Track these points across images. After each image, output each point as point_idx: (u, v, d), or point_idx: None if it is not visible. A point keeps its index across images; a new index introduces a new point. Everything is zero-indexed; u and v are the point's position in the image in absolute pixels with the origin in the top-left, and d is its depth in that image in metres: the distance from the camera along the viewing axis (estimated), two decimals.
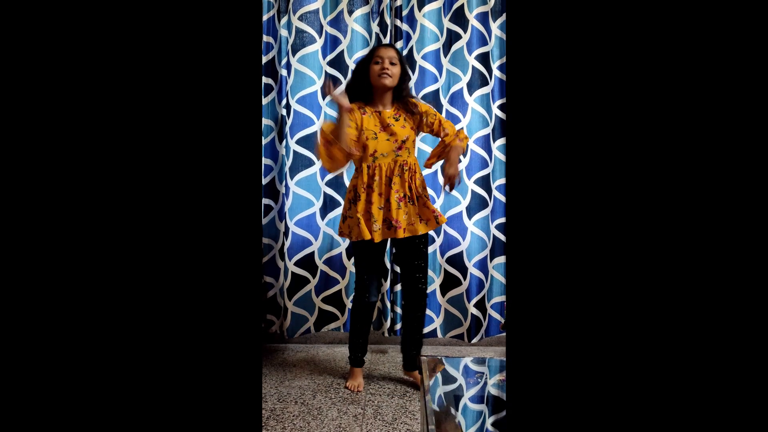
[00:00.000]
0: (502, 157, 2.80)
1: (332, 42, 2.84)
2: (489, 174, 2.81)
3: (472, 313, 2.82)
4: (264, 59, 2.79)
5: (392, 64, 2.24)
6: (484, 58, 2.79)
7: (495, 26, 2.79)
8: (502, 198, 2.83)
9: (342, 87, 2.38)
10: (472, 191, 2.81)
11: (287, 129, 2.79)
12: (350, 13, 2.80)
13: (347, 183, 2.82)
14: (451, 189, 2.26)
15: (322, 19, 2.80)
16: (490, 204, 2.82)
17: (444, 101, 2.80)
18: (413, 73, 2.79)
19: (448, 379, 1.44)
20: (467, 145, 2.34)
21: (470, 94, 2.79)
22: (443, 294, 2.87)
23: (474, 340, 2.84)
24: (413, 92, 2.43)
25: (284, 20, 2.78)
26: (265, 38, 2.78)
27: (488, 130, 2.80)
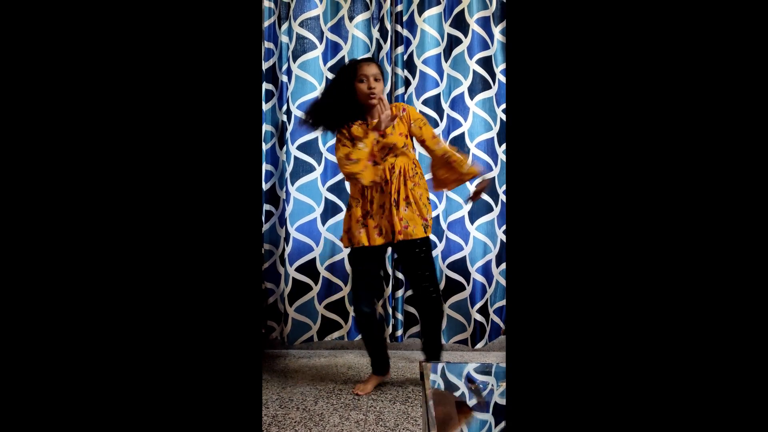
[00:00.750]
0: None
1: (333, 48, 2.84)
2: (494, 178, 2.81)
3: (475, 319, 2.81)
4: (265, 65, 2.79)
5: (376, 80, 2.22)
6: (486, 62, 2.79)
7: (497, 30, 2.80)
8: None
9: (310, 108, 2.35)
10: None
11: (288, 135, 2.79)
12: (351, 19, 2.81)
13: (347, 188, 2.82)
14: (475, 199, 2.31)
15: (322, 25, 2.81)
16: (496, 208, 2.81)
17: (445, 106, 2.81)
18: (414, 78, 2.79)
19: (450, 385, 1.44)
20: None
21: (471, 98, 2.79)
22: (446, 299, 2.86)
23: (478, 346, 2.83)
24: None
25: (285, 26, 2.79)
26: (266, 44, 2.79)
27: (492, 134, 2.80)
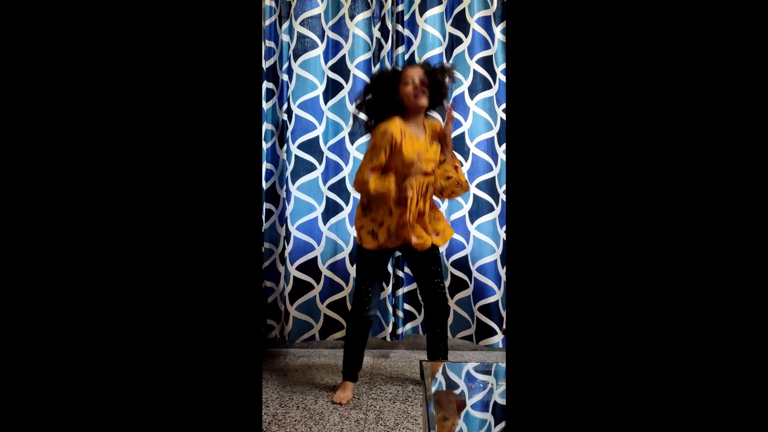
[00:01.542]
0: None
1: (334, 47, 2.84)
2: (494, 177, 2.80)
3: (477, 317, 2.81)
4: (266, 64, 2.79)
5: (423, 84, 2.18)
6: (486, 62, 2.79)
7: (498, 30, 2.79)
8: None
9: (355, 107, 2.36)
10: (474, 195, 2.80)
11: (288, 134, 2.79)
12: (352, 18, 2.81)
13: (349, 187, 2.82)
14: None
15: (323, 24, 2.81)
16: (497, 208, 2.81)
17: (447, 106, 2.81)
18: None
19: (451, 384, 1.44)
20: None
21: (471, 98, 2.79)
22: (452, 296, 2.86)
23: (484, 342, 2.81)
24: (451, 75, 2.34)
25: (286, 25, 2.79)
26: (266, 43, 2.79)
27: (492, 134, 2.80)
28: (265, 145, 2.82)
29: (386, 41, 2.79)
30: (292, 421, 2.12)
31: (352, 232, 2.83)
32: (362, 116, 2.31)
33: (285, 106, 2.78)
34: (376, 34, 2.81)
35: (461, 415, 1.26)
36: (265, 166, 2.83)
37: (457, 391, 1.41)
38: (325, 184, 2.85)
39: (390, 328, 2.85)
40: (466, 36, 2.78)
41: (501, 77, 2.79)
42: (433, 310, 2.37)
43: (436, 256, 2.35)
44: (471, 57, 2.78)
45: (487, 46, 2.78)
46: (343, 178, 2.83)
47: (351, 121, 2.78)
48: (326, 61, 2.83)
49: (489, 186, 2.80)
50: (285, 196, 2.81)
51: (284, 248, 2.81)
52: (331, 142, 2.85)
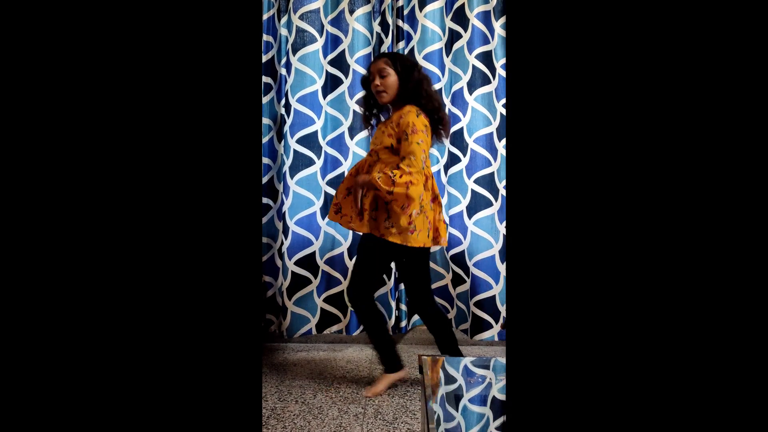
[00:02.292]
0: None
1: (333, 41, 2.84)
2: (493, 173, 2.80)
3: (473, 312, 2.82)
4: (263, 58, 2.79)
5: (382, 76, 2.17)
6: (486, 57, 2.78)
7: (497, 25, 2.79)
8: None
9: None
10: (472, 191, 2.80)
11: (287, 128, 2.79)
12: (351, 12, 2.80)
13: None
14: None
15: (323, 19, 2.80)
16: (496, 203, 2.81)
17: (446, 100, 2.80)
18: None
19: (449, 379, 1.44)
20: (399, 184, 2.04)
21: (470, 93, 2.79)
22: (454, 288, 2.88)
23: (479, 337, 2.82)
24: (428, 85, 2.21)
25: (284, 19, 2.78)
26: (264, 37, 2.78)
27: (491, 129, 2.80)
28: (262, 140, 2.82)
29: (386, 36, 2.78)
30: (290, 416, 2.12)
31: None
32: (360, 109, 2.34)
33: (283, 101, 2.78)
34: (376, 28, 2.81)
35: (459, 410, 1.27)
36: (263, 160, 2.83)
37: (456, 386, 1.41)
38: (323, 179, 2.85)
39: (392, 321, 2.86)
40: (466, 31, 2.78)
41: (500, 72, 2.79)
42: (432, 329, 2.33)
43: (407, 269, 2.27)
44: (470, 52, 2.78)
45: (486, 41, 2.78)
46: (342, 173, 2.83)
47: (350, 116, 2.79)
48: (325, 56, 2.82)
49: (488, 181, 2.80)
50: (283, 191, 2.81)
51: (282, 243, 2.81)
52: (330, 136, 2.84)
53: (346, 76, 2.81)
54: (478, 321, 2.82)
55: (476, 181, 2.80)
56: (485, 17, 2.79)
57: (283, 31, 2.78)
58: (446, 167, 2.83)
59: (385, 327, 2.31)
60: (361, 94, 2.40)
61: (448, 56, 2.81)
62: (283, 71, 2.78)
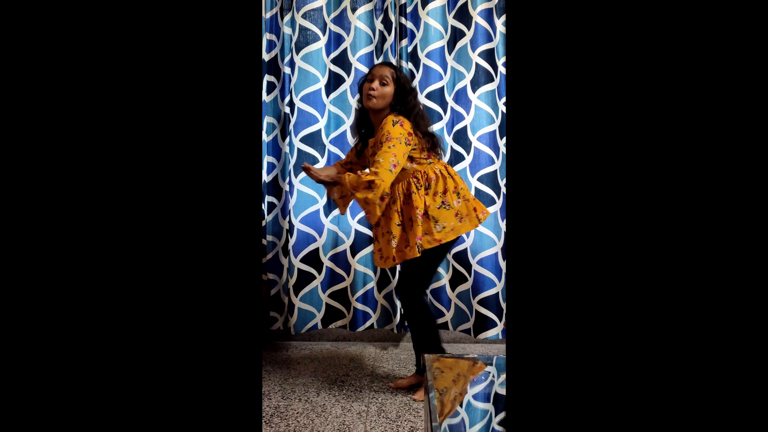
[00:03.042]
0: None
1: (336, 39, 2.84)
2: (495, 171, 2.80)
3: (476, 310, 2.81)
4: (267, 57, 2.79)
5: (382, 84, 2.12)
6: (489, 55, 2.78)
7: (500, 23, 2.79)
8: None
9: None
10: (477, 189, 2.80)
11: (291, 127, 2.79)
12: (353, 10, 2.80)
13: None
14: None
15: (325, 17, 2.80)
16: (499, 201, 2.81)
17: (449, 99, 2.80)
18: (418, 71, 2.78)
19: (453, 376, 1.44)
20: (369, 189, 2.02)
21: (474, 91, 2.79)
22: (453, 289, 2.87)
23: (483, 336, 2.82)
24: (418, 109, 2.20)
25: (287, 17, 2.78)
26: (268, 36, 2.79)
27: (494, 127, 2.80)
28: (267, 138, 2.82)
29: (389, 34, 2.78)
30: (294, 414, 2.13)
31: (354, 224, 2.83)
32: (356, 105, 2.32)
33: (287, 99, 2.78)
34: (379, 26, 2.81)
35: (462, 406, 1.27)
36: (268, 159, 2.84)
37: (459, 383, 1.41)
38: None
39: (397, 319, 2.86)
40: (469, 28, 2.78)
41: (502, 70, 2.79)
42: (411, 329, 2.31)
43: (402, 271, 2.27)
44: (473, 50, 2.77)
45: (489, 39, 2.78)
46: (343, 173, 2.84)
47: (353, 114, 2.78)
48: (328, 54, 2.82)
49: (491, 179, 2.79)
50: (288, 189, 2.82)
51: (287, 241, 2.81)
52: (333, 135, 2.85)
53: (349, 75, 2.81)
54: (482, 319, 2.82)
55: (480, 179, 2.79)
56: (488, 15, 2.78)
57: (287, 30, 2.79)
58: (450, 165, 2.83)
59: (437, 330, 2.25)
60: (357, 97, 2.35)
61: (450, 54, 2.81)
62: (287, 69, 2.79)
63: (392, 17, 2.77)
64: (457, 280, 2.87)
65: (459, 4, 2.79)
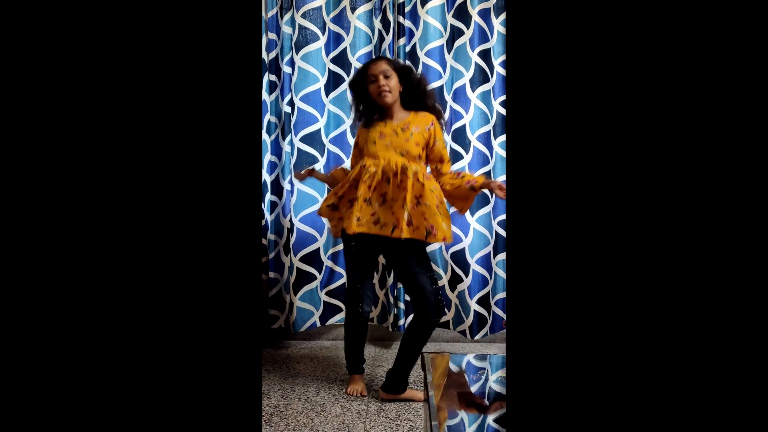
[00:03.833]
0: (503, 153, 2.78)
1: (335, 39, 2.84)
2: (490, 171, 2.81)
3: (474, 310, 2.82)
4: (268, 56, 2.79)
5: (386, 77, 2.15)
6: (485, 55, 2.78)
7: (497, 22, 2.79)
8: None
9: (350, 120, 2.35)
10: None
11: (291, 126, 2.80)
12: (353, 10, 2.80)
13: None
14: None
15: (325, 16, 2.80)
16: (492, 201, 2.82)
17: (448, 98, 2.80)
18: (417, 70, 2.78)
19: (451, 375, 1.45)
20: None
21: (473, 90, 2.79)
22: (452, 289, 2.87)
23: (477, 337, 2.84)
24: (429, 89, 2.25)
25: (287, 17, 2.79)
26: (268, 35, 2.79)
27: (489, 127, 2.80)
28: (268, 138, 2.83)
29: (387, 33, 2.78)
30: (293, 413, 2.13)
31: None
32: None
33: (287, 98, 2.79)
34: (378, 25, 2.81)
35: (462, 405, 1.27)
36: (269, 158, 2.84)
37: (458, 382, 1.42)
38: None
39: (391, 318, 2.87)
40: (468, 28, 2.78)
41: (498, 70, 2.79)
42: (412, 332, 2.19)
43: (417, 257, 2.17)
44: (472, 49, 2.77)
45: (486, 39, 2.78)
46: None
47: (351, 113, 2.78)
48: (327, 54, 2.82)
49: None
50: (289, 189, 2.82)
51: (288, 239, 2.82)
52: (333, 134, 2.85)
53: (348, 74, 2.82)
54: (481, 318, 2.82)
55: None
56: (485, 14, 2.78)
57: (287, 29, 2.79)
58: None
59: (355, 339, 2.36)
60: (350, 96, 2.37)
61: (449, 53, 2.81)
62: (288, 69, 2.79)
63: (390, 16, 2.78)
64: (454, 280, 2.88)
65: (458, 2, 2.79)
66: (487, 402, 1.30)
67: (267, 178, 2.84)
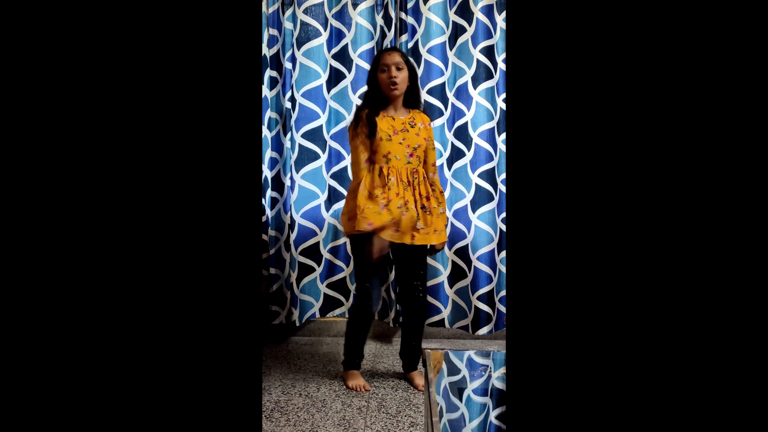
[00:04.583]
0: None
1: (337, 35, 2.83)
2: (494, 168, 2.81)
3: (476, 306, 2.82)
4: (269, 52, 2.79)
5: (398, 69, 2.19)
6: (489, 51, 2.78)
7: (500, 19, 2.78)
8: None
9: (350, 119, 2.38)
10: (477, 185, 2.80)
11: (292, 122, 2.80)
12: (354, 6, 2.80)
13: (350, 174, 2.83)
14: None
15: (326, 12, 2.80)
16: (496, 197, 2.82)
17: (450, 95, 2.80)
18: (419, 67, 2.78)
19: (452, 371, 1.45)
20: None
21: (475, 87, 2.78)
22: (451, 285, 2.87)
23: (480, 332, 2.83)
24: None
25: (289, 12, 2.78)
26: (270, 31, 2.78)
27: (493, 124, 2.80)
28: (269, 134, 2.82)
29: (389, 29, 2.78)
30: (294, 409, 2.13)
31: None
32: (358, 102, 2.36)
33: (289, 95, 2.78)
34: (380, 22, 2.80)
35: (463, 402, 1.27)
36: (270, 154, 2.84)
37: (459, 378, 1.42)
38: (328, 173, 2.86)
39: (393, 314, 2.87)
40: (470, 24, 2.77)
41: (502, 66, 2.78)
42: (408, 311, 2.35)
43: (424, 261, 2.34)
44: (475, 46, 2.77)
45: (489, 36, 2.77)
46: (345, 167, 2.84)
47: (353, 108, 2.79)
48: (329, 50, 2.82)
49: (489, 176, 2.80)
50: (289, 185, 2.82)
51: (289, 236, 2.82)
52: (334, 130, 2.85)
53: (349, 71, 2.81)
54: (483, 315, 2.82)
55: (480, 176, 2.80)
56: (488, 11, 2.78)
57: (288, 25, 2.78)
58: (450, 161, 2.83)
59: (359, 336, 2.41)
60: (364, 89, 2.44)
61: (451, 50, 2.80)
62: (289, 65, 2.79)
63: (392, 13, 2.77)
64: (456, 276, 2.88)
65: None
66: (488, 398, 1.30)
67: (268, 174, 2.83)
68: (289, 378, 2.44)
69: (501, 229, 2.83)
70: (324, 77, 2.80)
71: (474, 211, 2.82)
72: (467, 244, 2.82)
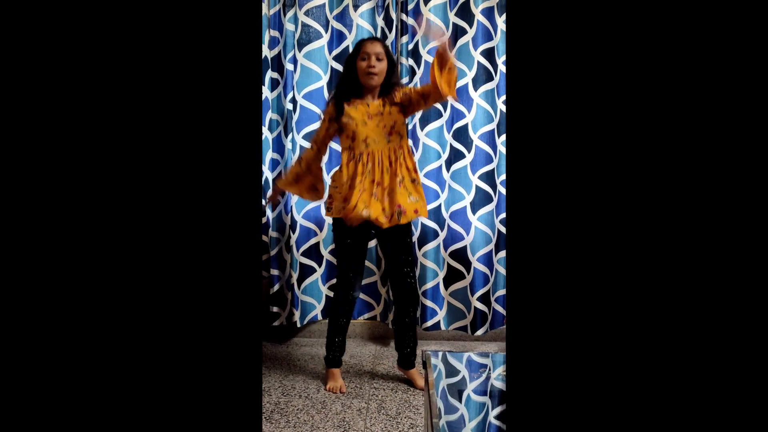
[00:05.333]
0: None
1: (338, 37, 2.84)
2: (494, 169, 2.81)
3: (476, 307, 2.82)
4: (270, 53, 2.79)
5: (378, 60, 2.20)
6: (489, 53, 2.78)
7: (500, 21, 2.78)
8: None
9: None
10: (477, 186, 2.80)
11: (293, 124, 2.80)
12: (356, 8, 2.80)
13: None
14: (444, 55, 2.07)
15: (328, 14, 2.80)
16: (495, 199, 2.82)
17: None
18: (419, 68, 2.78)
19: (451, 372, 1.45)
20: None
21: (475, 89, 2.78)
22: (446, 287, 2.87)
23: (478, 333, 2.83)
24: (402, 81, 2.39)
25: (290, 14, 2.78)
26: (271, 32, 2.78)
27: (493, 126, 2.80)
28: (271, 135, 2.82)
29: (390, 31, 2.78)
30: (294, 410, 2.13)
31: None
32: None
33: (290, 96, 2.79)
34: (380, 23, 2.81)
35: (462, 402, 1.27)
36: (271, 155, 2.84)
37: (458, 379, 1.42)
38: (328, 174, 2.86)
39: (392, 315, 2.87)
40: (471, 26, 2.77)
41: (502, 68, 2.78)
42: (402, 299, 2.35)
43: (408, 245, 2.33)
44: (475, 48, 2.77)
45: (489, 38, 2.77)
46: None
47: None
48: (330, 52, 2.82)
49: (489, 177, 2.80)
50: None
51: (290, 237, 2.82)
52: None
53: None
54: (482, 316, 2.82)
55: (480, 177, 2.80)
56: (489, 13, 2.78)
57: (289, 26, 2.79)
58: (449, 163, 2.83)
59: (339, 324, 2.43)
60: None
61: (451, 52, 2.80)
62: (290, 66, 2.79)
63: (393, 14, 2.77)
64: (451, 278, 2.88)
65: (461, 1, 2.79)
66: (487, 399, 1.30)
67: (269, 175, 2.84)
68: (289, 379, 2.44)
69: (499, 230, 2.83)
70: (325, 79, 2.81)
71: (474, 213, 2.82)
72: (466, 246, 2.82)
